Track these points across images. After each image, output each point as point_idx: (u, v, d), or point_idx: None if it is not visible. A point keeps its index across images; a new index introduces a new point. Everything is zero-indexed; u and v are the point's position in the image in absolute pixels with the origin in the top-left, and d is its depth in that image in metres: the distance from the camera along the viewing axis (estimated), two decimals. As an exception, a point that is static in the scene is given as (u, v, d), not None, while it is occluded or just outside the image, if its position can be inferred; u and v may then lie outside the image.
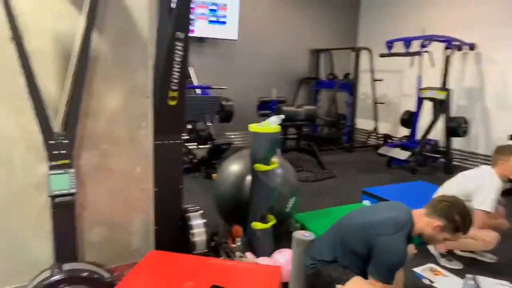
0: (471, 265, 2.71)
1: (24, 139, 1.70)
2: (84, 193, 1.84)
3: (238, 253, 2.27)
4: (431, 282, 2.52)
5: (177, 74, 2.10)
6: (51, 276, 1.57)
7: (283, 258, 2.31)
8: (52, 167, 1.65)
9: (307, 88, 7.15)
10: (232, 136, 6.06)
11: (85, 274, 1.62)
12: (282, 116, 2.65)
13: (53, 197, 1.65)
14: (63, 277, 1.58)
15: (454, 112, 5.33)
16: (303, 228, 2.82)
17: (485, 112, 5.41)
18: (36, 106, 1.60)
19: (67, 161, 1.69)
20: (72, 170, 1.70)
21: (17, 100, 1.65)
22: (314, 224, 2.79)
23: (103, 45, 1.83)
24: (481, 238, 2.57)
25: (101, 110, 1.88)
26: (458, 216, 1.68)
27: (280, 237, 2.65)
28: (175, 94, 2.12)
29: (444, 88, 5.27)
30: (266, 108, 5.39)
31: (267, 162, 2.49)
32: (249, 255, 2.35)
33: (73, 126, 1.70)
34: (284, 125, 5.18)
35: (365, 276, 1.75)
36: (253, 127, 2.49)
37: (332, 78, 6.94)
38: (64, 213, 1.68)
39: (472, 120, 5.34)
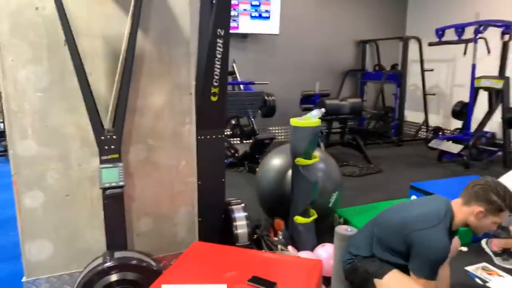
0: (530, 266, 2.53)
1: (79, 135, 1.84)
2: (132, 186, 1.96)
3: (280, 246, 2.28)
4: (485, 282, 2.38)
5: (218, 70, 2.14)
6: (104, 263, 1.68)
7: (326, 252, 2.30)
8: (102, 161, 1.76)
9: (352, 80, 6.97)
10: (275, 131, 6.08)
11: (134, 262, 1.72)
12: (323, 110, 2.62)
13: (104, 189, 1.77)
14: (114, 264, 1.69)
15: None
16: (346, 223, 2.78)
17: (549, 101, 4.97)
18: (88, 104, 1.72)
19: (116, 156, 1.80)
20: (121, 164, 1.80)
21: (73, 99, 1.79)
22: (357, 219, 2.73)
23: (147, 44, 1.92)
24: (541, 237, 2.39)
25: (147, 106, 1.97)
26: (496, 196, 1.60)
27: (323, 232, 2.63)
28: (216, 90, 2.16)
29: (501, 76, 4.90)
30: (309, 102, 5.34)
31: (308, 156, 2.48)
32: (290, 248, 2.35)
33: (121, 122, 1.80)
34: (328, 119, 5.12)
35: (405, 271, 1.69)
36: (294, 121, 2.48)
37: (379, 69, 6.71)
38: (114, 204, 1.79)
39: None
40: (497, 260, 2.60)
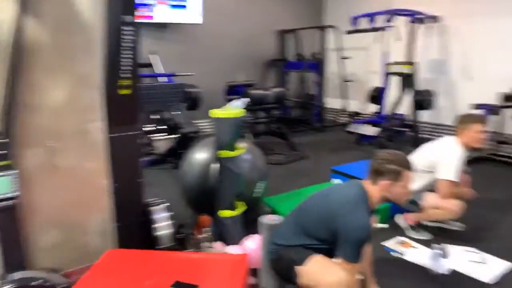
0: (439, 235, 2.76)
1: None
2: (31, 195, 1.72)
3: (205, 244, 2.20)
4: (401, 254, 2.55)
5: (127, 61, 1.95)
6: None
7: (253, 244, 2.26)
8: (-10, 170, 1.52)
9: (276, 70, 7.06)
10: (202, 124, 5.94)
11: (36, 282, 1.51)
12: (246, 100, 2.57)
13: (-6, 202, 1.53)
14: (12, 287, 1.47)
15: (420, 85, 5.38)
16: (274, 211, 2.79)
17: (450, 84, 5.49)
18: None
19: (7, 162, 1.56)
20: (15, 172, 1.57)
21: None
22: (284, 207, 2.75)
23: (41, 32, 1.68)
24: (446, 207, 2.61)
25: (44, 103, 1.74)
26: (390, 164, 1.70)
27: (252, 223, 2.60)
28: (126, 82, 1.98)
29: (410, 62, 5.30)
30: (235, 92, 5.28)
31: (231, 148, 2.41)
32: (218, 245, 2.28)
33: (12, 122, 1.56)
34: (253, 108, 5.11)
35: (329, 256, 1.71)
36: (214, 113, 2.40)
37: (300, 58, 6.87)
38: (8, 218, 1.55)
39: (438, 93, 5.41)
40: (411, 233, 2.80)
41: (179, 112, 4.51)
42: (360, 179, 1.82)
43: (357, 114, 6.36)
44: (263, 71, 6.88)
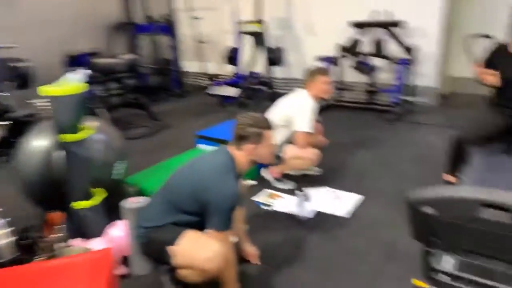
0: (302, 181, 2.98)
1: None
2: None
3: (60, 245, 1.89)
4: (269, 205, 2.67)
5: None
6: None
7: (119, 231, 2.05)
8: None
9: (124, 35, 6.42)
10: (41, 105, 5.08)
11: None
12: (86, 72, 2.22)
13: None
14: None
15: (271, 43, 5.59)
16: (140, 190, 2.58)
17: (296, 39, 5.84)
18: None
19: None
20: None
21: None
22: (150, 183, 2.57)
23: None
24: (305, 157, 2.81)
25: None
26: (250, 127, 1.69)
27: (117, 209, 2.35)
28: None
29: (259, 20, 5.41)
30: (78, 63, 4.61)
31: (75, 130, 2.07)
32: (76, 242, 1.99)
33: None
34: (103, 80, 4.58)
35: (199, 228, 1.65)
36: (47, 90, 2.00)
37: (149, 21, 6.37)
38: None
39: (287, 49, 5.71)
40: (277, 184, 2.95)
41: (7, 94, 3.75)
42: (225, 141, 1.76)
43: (216, 76, 6.32)
44: (110, 36, 6.18)
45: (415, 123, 4.36)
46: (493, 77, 2.35)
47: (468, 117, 2.82)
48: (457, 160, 2.52)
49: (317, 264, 2.08)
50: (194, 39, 6.54)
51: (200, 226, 1.65)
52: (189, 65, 6.92)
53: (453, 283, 1.66)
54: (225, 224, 1.61)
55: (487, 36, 2.69)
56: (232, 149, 1.72)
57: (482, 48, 2.56)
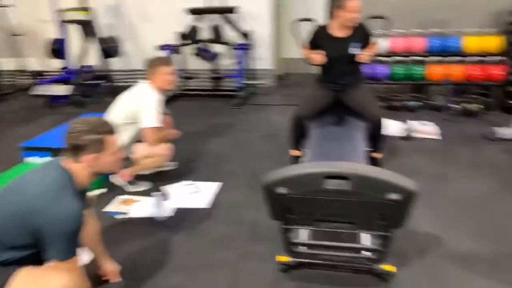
0: (158, 179, 2.80)
1: None
2: None
3: None
4: (125, 213, 2.43)
5: None
6: None
7: None
8: None
9: None
10: None
11: None
12: None
13: None
14: None
15: (103, 32, 5.07)
16: None
17: (132, 28, 5.44)
18: None
19: None
20: None
21: None
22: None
23: None
24: (157, 154, 2.63)
25: None
26: (90, 134, 1.40)
27: None
28: None
29: (84, 8, 4.82)
30: None
31: None
32: None
33: None
34: None
35: (37, 260, 1.36)
36: None
37: None
38: None
39: (122, 38, 5.27)
40: (130, 188, 2.70)
41: None
42: (60, 150, 1.45)
43: (40, 73, 5.43)
44: None
45: (259, 105, 4.61)
46: (319, 57, 2.59)
47: (301, 95, 3.09)
48: (298, 136, 2.73)
49: (185, 262, 1.98)
50: (5, 31, 5.45)
51: (38, 258, 1.35)
52: (4, 63, 5.77)
53: (310, 251, 1.81)
54: (69, 251, 1.34)
55: (309, 20, 2.96)
56: (67, 162, 1.42)
57: (306, 31, 2.80)
